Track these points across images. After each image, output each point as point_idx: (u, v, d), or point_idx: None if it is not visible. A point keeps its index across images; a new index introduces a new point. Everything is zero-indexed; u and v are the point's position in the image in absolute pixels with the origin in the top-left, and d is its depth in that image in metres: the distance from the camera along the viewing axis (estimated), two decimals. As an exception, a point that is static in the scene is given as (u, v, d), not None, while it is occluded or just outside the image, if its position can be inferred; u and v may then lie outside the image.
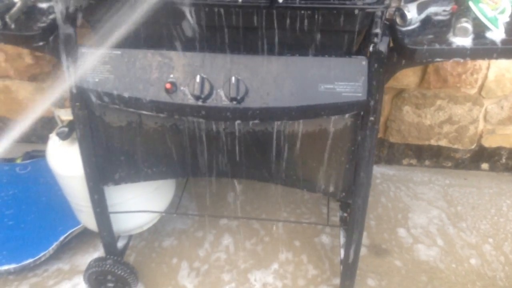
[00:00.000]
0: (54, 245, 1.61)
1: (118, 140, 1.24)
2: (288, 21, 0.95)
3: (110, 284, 1.51)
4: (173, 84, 1.05)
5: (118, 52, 1.07)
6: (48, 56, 1.87)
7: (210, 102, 1.05)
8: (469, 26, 0.93)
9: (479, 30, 0.96)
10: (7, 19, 1.00)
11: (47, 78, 2.00)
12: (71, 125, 1.30)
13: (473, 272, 1.64)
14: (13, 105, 2.10)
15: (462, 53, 0.94)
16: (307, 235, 1.76)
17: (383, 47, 1.00)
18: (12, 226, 1.70)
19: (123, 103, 1.10)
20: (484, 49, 0.94)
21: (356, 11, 0.95)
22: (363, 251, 1.69)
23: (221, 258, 1.69)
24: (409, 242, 1.74)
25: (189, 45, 1.05)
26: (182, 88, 1.06)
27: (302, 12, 0.95)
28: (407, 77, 1.83)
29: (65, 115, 1.34)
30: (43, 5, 1.05)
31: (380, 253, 1.70)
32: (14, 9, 1.02)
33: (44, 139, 1.92)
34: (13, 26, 1.01)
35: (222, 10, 0.96)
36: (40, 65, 1.94)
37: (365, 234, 1.75)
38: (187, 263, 1.67)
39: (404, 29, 0.99)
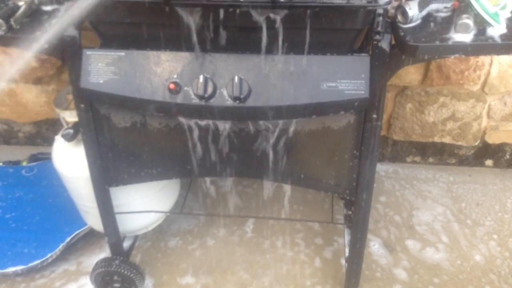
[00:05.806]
0: (61, 246, 1.62)
1: (123, 141, 1.25)
2: (289, 20, 0.96)
3: (117, 285, 1.52)
4: (176, 84, 1.06)
5: (122, 53, 1.08)
6: (52, 59, 1.90)
7: (213, 102, 1.06)
8: (470, 22, 0.93)
9: (481, 26, 0.96)
10: (12, 22, 1.01)
11: (51, 81, 2.02)
12: (76, 126, 1.31)
13: (478, 268, 1.64)
14: (18, 108, 2.11)
15: (463, 49, 0.94)
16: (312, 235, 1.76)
17: (385, 45, 1.00)
18: (16, 228, 1.71)
19: (127, 104, 1.11)
20: (485, 45, 0.94)
21: (358, 9, 0.95)
22: (367, 248, 1.70)
23: (227, 258, 1.69)
24: (414, 239, 1.75)
25: (192, 46, 1.05)
26: (185, 88, 1.06)
27: (304, 10, 0.95)
28: (410, 74, 1.83)
29: (70, 116, 1.35)
30: (48, 8, 1.05)
31: (385, 250, 1.71)
32: (19, 12, 1.03)
33: (49, 142, 1.94)
34: (18, 29, 1.02)
35: (224, 11, 0.97)
36: (45, 68, 1.95)
37: (369, 232, 1.75)
38: (192, 263, 1.68)
39: (405, 26, 0.99)
